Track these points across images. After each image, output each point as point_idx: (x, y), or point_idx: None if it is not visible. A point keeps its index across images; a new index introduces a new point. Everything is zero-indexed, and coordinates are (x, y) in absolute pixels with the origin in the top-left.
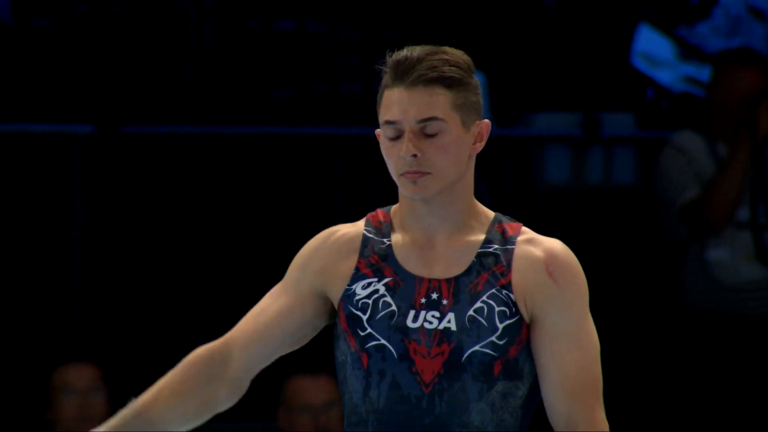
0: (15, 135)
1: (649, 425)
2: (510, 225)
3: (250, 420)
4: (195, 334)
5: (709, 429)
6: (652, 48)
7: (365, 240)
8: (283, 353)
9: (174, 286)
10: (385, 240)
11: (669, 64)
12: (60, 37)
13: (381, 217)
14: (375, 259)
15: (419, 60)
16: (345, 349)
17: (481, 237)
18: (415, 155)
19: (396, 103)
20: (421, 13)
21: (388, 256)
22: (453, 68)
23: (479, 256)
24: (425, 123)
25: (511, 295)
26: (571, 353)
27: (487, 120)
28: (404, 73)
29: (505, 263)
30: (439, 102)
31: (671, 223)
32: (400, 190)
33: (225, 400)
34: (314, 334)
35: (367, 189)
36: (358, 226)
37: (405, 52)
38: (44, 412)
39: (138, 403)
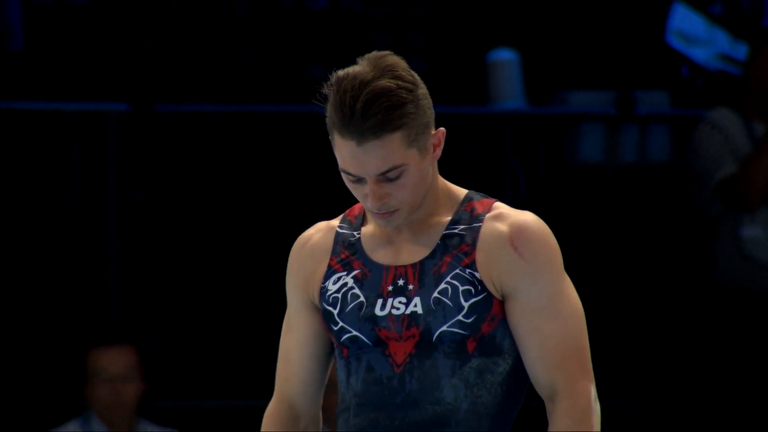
0: (50, 113)
1: (680, 401)
2: (481, 202)
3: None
4: (229, 310)
5: (740, 405)
6: (686, 26)
7: (337, 237)
8: (328, 372)
9: (208, 262)
10: (355, 233)
11: (704, 42)
12: (95, 16)
13: (356, 212)
14: (345, 254)
15: (363, 113)
16: (330, 343)
17: (447, 218)
18: (383, 202)
19: (351, 158)
20: None
21: (357, 249)
22: (396, 108)
23: (444, 238)
24: (385, 175)
25: (476, 274)
26: (548, 325)
27: (441, 129)
28: (352, 131)
29: (470, 242)
30: (394, 148)
31: (705, 200)
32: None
33: None
34: None
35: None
36: (333, 225)
37: (348, 99)
38: (81, 388)
39: None
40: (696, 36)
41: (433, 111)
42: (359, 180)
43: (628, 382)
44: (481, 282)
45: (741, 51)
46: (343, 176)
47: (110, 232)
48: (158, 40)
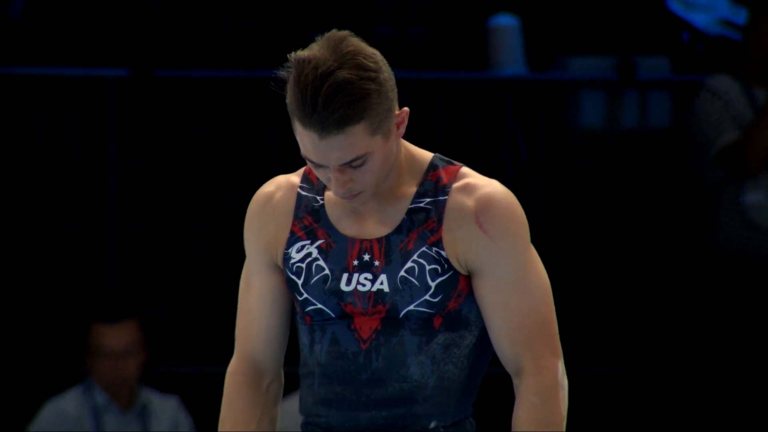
0: (50, 78)
1: (683, 367)
2: (446, 170)
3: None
4: (230, 275)
5: (743, 371)
6: None
7: (299, 199)
8: (289, 329)
9: (209, 228)
10: (318, 198)
11: (704, 7)
12: None
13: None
14: (309, 220)
15: (325, 107)
16: (291, 301)
17: (413, 189)
18: (348, 190)
19: (312, 147)
20: None
21: (321, 217)
22: (359, 100)
23: (410, 212)
24: (348, 164)
25: (442, 252)
26: (514, 300)
27: (405, 109)
28: (313, 122)
29: (436, 218)
30: (357, 140)
31: (706, 166)
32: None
33: (280, 394)
34: None
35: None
36: (294, 182)
37: (309, 91)
38: (81, 357)
39: None
40: (696, 1)
41: (396, 91)
42: (322, 166)
43: (630, 349)
44: (447, 260)
45: (741, 16)
46: (306, 161)
47: (111, 199)
48: (159, 5)
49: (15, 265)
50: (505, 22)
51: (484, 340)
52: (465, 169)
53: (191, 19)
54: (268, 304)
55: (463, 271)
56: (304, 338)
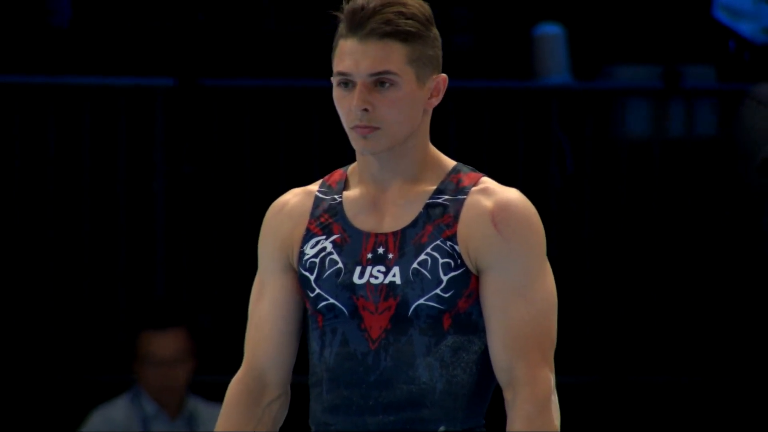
0: (97, 88)
1: (732, 376)
2: (468, 175)
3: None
4: None
5: None
6: (733, 0)
7: (317, 201)
8: (299, 342)
9: (255, 236)
10: (336, 197)
11: (751, 16)
12: None
13: (337, 177)
14: (325, 217)
15: (374, 12)
16: (307, 312)
17: (433, 187)
18: (365, 109)
19: (348, 55)
20: None
21: (338, 212)
22: (409, 21)
23: (427, 207)
24: (377, 76)
25: (456, 247)
26: (515, 306)
27: (444, 75)
28: (358, 25)
29: (452, 214)
30: (393, 56)
31: (753, 175)
32: (352, 145)
33: (282, 415)
34: None
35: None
36: (311, 189)
37: (361, 2)
38: (130, 365)
39: None
40: (742, 10)
41: (440, 58)
42: (348, 85)
43: (679, 357)
44: (460, 256)
45: None
46: (334, 88)
47: (157, 207)
48: (205, 14)
49: (64, 274)
50: (551, 30)
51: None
52: (487, 178)
53: (237, 27)
54: (281, 308)
55: (473, 269)
56: (314, 344)
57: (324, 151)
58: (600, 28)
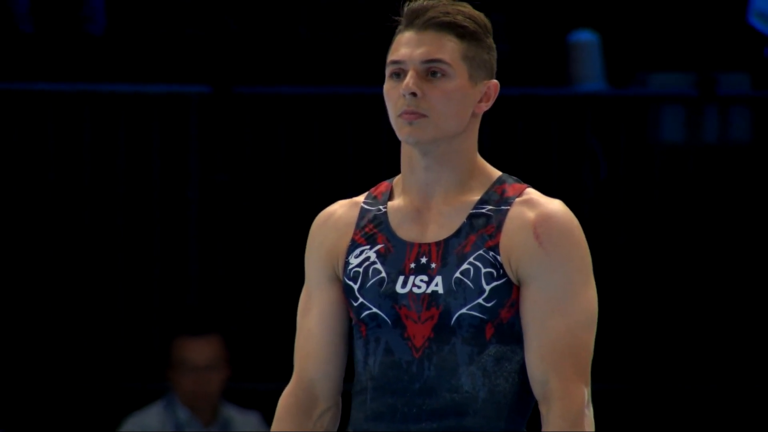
0: (131, 96)
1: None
2: (513, 186)
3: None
4: None
5: None
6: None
7: (362, 212)
8: (348, 353)
9: (289, 243)
10: (381, 208)
11: None
12: None
13: (383, 188)
14: (370, 227)
15: (433, 7)
16: (350, 320)
17: (477, 197)
18: (414, 94)
19: (404, 44)
20: None
21: (382, 222)
22: (467, 20)
23: (470, 217)
24: (430, 64)
25: (498, 257)
26: (553, 319)
27: (496, 81)
28: (416, 17)
29: (495, 224)
30: (448, 47)
31: None
32: (397, 135)
33: (333, 426)
34: None
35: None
36: (357, 201)
37: (422, 1)
38: (164, 372)
39: None
40: None
41: (494, 67)
42: (400, 75)
43: (713, 365)
44: (502, 266)
45: None
46: (386, 81)
47: (191, 214)
48: (238, 22)
49: (99, 281)
50: (585, 38)
51: None
52: (532, 189)
53: (271, 35)
54: (328, 319)
55: (514, 280)
56: (358, 353)
57: (357, 157)
58: (634, 35)
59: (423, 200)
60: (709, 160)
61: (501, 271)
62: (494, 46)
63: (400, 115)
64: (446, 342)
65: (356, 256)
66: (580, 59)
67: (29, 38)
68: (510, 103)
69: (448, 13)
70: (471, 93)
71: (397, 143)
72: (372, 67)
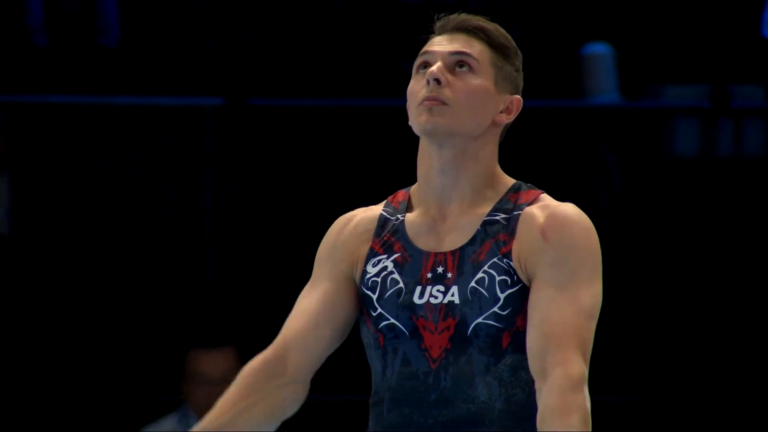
0: (146, 108)
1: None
2: (527, 193)
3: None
4: None
5: None
6: None
7: (381, 220)
8: (333, 349)
9: (303, 255)
10: (399, 216)
11: None
12: (190, 11)
13: (400, 197)
14: (387, 236)
15: (467, 18)
16: (365, 332)
17: (491, 205)
18: (438, 81)
19: (435, 43)
20: None
21: (399, 231)
22: (498, 32)
23: (484, 224)
24: (459, 56)
25: (511, 263)
26: (556, 303)
27: (520, 98)
28: (448, 23)
29: (509, 231)
30: (478, 48)
31: None
32: (415, 128)
33: (291, 404)
34: (352, 324)
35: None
36: (376, 209)
37: (455, 14)
38: (178, 384)
39: (204, 423)
40: None
41: (520, 85)
42: (427, 66)
43: (720, 379)
44: (516, 272)
45: None
46: (412, 78)
47: (205, 226)
48: (253, 35)
49: (113, 293)
50: (599, 50)
51: None
52: (546, 195)
53: (285, 48)
54: (328, 306)
55: (527, 282)
56: (376, 364)
57: (371, 170)
58: (648, 47)
59: (439, 209)
60: (723, 173)
61: (515, 277)
62: (521, 67)
63: (420, 103)
64: (463, 352)
65: (374, 265)
66: (594, 72)
67: (44, 51)
68: (524, 116)
69: (480, 22)
70: (494, 98)
71: (412, 155)
72: (386, 80)
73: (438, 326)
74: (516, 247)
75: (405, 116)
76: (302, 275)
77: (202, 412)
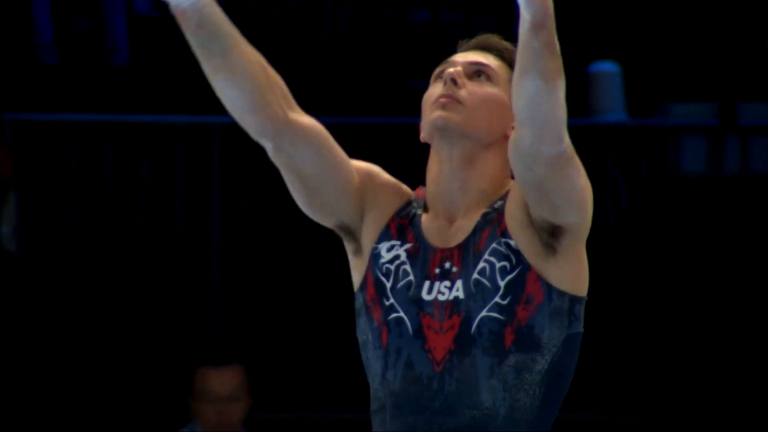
0: (154, 125)
1: None
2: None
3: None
4: (334, 322)
5: None
6: None
7: (407, 203)
8: (310, 172)
9: (311, 274)
10: (418, 210)
11: None
12: None
13: (421, 194)
14: (404, 221)
15: (488, 38)
16: (365, 326)
17: (492, 201)
18: (455, 81)
19: (455, 56)
20: (556, 1)
21: (414, 220)
22: (512, 52)
23: (483, 216)
24: (477, 66)
25: (510, 242)
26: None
27: None
28: (470, 43)
29: (500, 213)
30: (495, 63)
31: None
32: (428, 128)
33: (275, 117)
34: (330, 208)
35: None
36: (409, 191)
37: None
38: (187, 404)
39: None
40: None
41: None
42: (442, 75)
43: (731, 396)
44: (516, 251)
45: None
46: (432, 80)
47: (213, 244)
48: (261, 52)
49: (121, 311)
50: (606, 68)
51: (556, 370)
52: None
53: (293, 65)
54: (334, 156)
55: (543, 237)
56: (375, 366)
57: None
58: (655, 65)
59: (447, 214)
60: (731, 191)
61: (515, 260)
62: None
63: (435, 101)
64: (467, 354)
65: (387, 250)
66: (601, 90)
67: (52, 70)
68: None
69: (502, 43)
70: (508, 111)
71: (420, 173)
72: (394, 97)
73: (443, 326)
74: (509, 221)
75: (413, 134)
76: (310, 293)
77: (210, 429)
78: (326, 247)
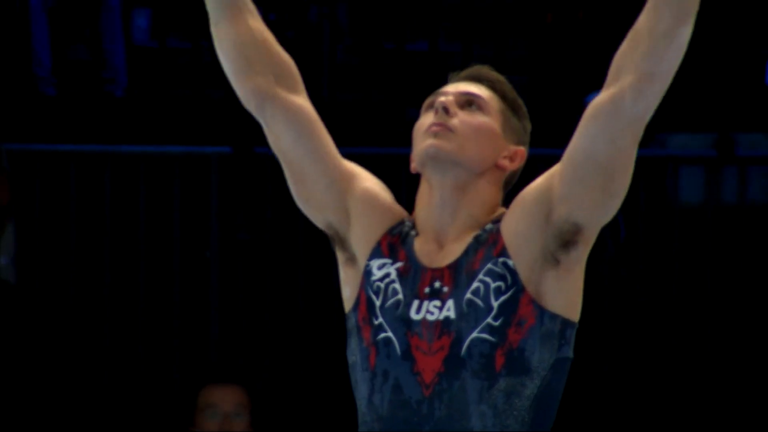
0: (152, 156)
1: None
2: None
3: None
4: (332, 348)
5: None
6: None
7: (400, 222)
8: (293, 156)
9: (310, 302)
10: (412, 231)
11: None
12: (197, 58)
13: (413, 217)
14: (396, 240)
15: (478, 69)
16: (355, 346)
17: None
18: (447, 110)
19: (446, 87)
20: (554, 31)
21: (407, 240)
22: (507, 87)
23: (475, 237)
24: (468, 96)
25: (509, 262)
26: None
27: (524, 149)
28: (461, 74)
29: (496, 233)
30: (487, 94)
31: None
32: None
33: (264, 78)
34: (309, 192)
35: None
36: (404, 213)
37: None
38: (188, 426)
39: None
40: None
41: (527, 142)
42: (433, 105)
43: (727, 423)
44: (513, 271)
45: None
46: (422, 111)
47: (212, 274)
48: None
49: (120, 338)
50: None
51: (545, 394)
52: None
53: None
54: (322, 142)
55: (552, 247)
56: (363, 388)
57: None
58: None
59: (438, 240)
60: (729, 221)
61: (510, 279)
62: (529, 129)
63: (426, 130)
64: (456, 377)
65: (378, 268)
66: None
67: (51, 100)
68: (529, 163)
69: (493, 75)
70: (500, 140)
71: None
72: (392, 127)
73: (432, 346)
74: (508, 239)
75: (410, 164)
76: (309, 322)
77: None
78: (325, 276)
